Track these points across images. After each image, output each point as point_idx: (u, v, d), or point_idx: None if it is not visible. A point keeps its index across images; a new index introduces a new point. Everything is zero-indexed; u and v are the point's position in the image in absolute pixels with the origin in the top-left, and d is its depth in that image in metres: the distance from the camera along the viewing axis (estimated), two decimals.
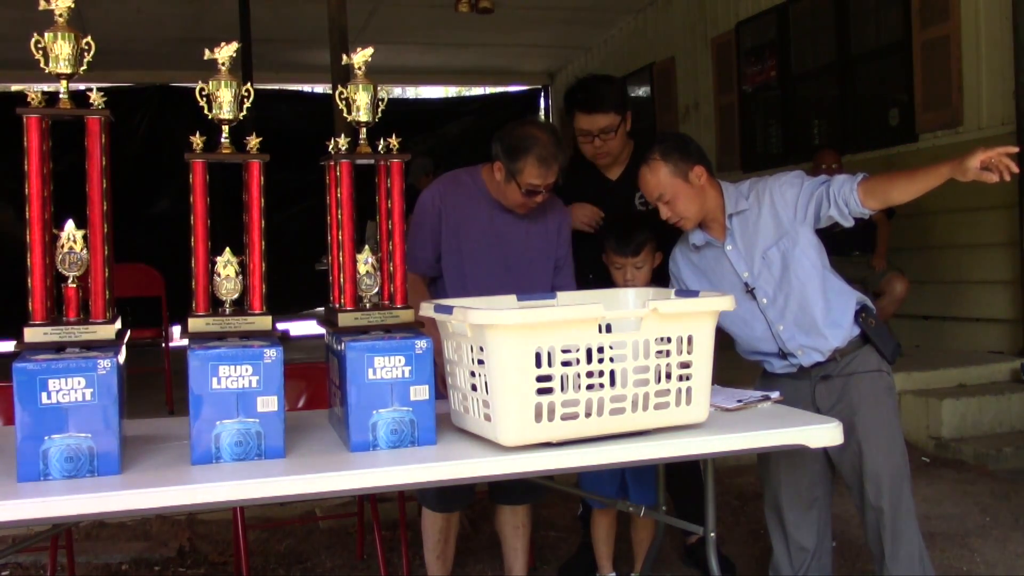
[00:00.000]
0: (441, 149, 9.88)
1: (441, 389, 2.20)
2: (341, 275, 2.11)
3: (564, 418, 1.97)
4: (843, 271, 3.45)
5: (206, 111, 2.02)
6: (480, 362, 1.99)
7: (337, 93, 2.17)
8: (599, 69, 9.75)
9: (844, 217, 2.61)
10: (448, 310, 2.05)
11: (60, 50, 1.86)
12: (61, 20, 1.86)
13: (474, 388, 2.03)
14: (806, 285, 2.65)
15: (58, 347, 1.86)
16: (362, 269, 2.13)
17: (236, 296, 2.02)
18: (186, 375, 1.90)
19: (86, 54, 1.89)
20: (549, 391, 1.95)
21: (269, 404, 1.93)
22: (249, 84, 2.07)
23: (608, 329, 2.02)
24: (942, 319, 6.16)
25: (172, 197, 9.90)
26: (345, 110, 2.15)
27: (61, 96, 1.88)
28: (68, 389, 1.78)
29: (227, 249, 2.01)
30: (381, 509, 3.51)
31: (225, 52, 2.01)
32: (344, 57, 2.22)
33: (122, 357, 1.92)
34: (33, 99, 1.84)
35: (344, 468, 1.89)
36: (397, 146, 2.17)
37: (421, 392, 2.02)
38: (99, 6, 7.62)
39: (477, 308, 1.98)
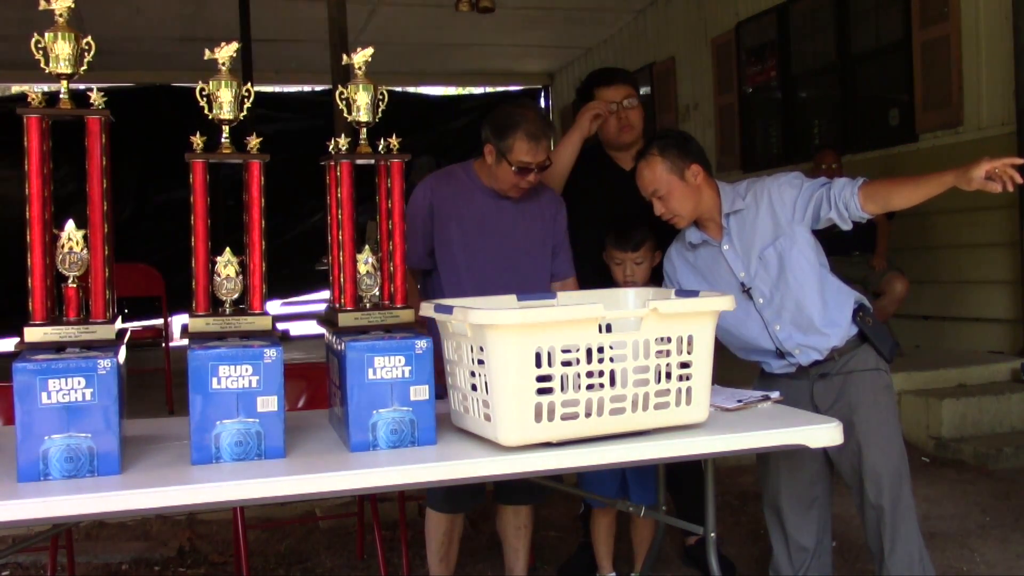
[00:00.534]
0: (442, 146, 9.87)
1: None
2: (341, 275, 2.11)
3: (564, 418, 1.97)
4: (843, 271, 3.46)
5: (206, 111, 2.02)
6: (480, 362, 1.98)
7: (337, 93, 2.17)
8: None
9: (843, 220, 2.61)
10: (448, 310, 2.05)
11: (60, 50, 1.86)
12: (61, 20, 1.87)
13: (474, 388, 2.03)
14: (803, 285, 2.64)
15: (58, 347, 1.86)
16: (362, 269, 2.13)
17: (236, 296, 2.02)
18: (186, 375, 1.90)
19: (86, 54, 1.89)
20: (549, 391, 1.95)
21: (269, 404, 1.93)
22: (249, 84, 2.07)
23: (608, 329, 2.02)
24: (942, 319, 6.16)
25: (172, 197, 9.92)
26: (345, 110, 2.16)
27: (61, 96, 1.89)
28: (68, 389, 1.78)
29: (227, 249, 2.02)
30: (381, 509, 3.51)
31: (225, 52, 2.01)
32: (344, 57, 2.22)
33: (122, 357, 1.92)
34: (33, 99, 1.84)
35: (344, 468, 1.89)
36: (397, 146, 2.17)
37: (421, 392, 2.02)
38: (99, 6, 7.61)
39: (477, 308, 1.98)
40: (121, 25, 8.49)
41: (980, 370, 5.44)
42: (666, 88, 9.44)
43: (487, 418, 1.99)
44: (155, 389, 5.52)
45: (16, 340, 1.86)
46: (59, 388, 1.78)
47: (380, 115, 2.17)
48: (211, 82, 2.01)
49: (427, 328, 2.23)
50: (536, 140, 2.80)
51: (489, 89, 12.62)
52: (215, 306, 2.03)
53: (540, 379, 1.94)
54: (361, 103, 2.14)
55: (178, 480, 1.80)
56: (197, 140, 1.98)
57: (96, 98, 1.89)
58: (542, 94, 12.65)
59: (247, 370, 1.91)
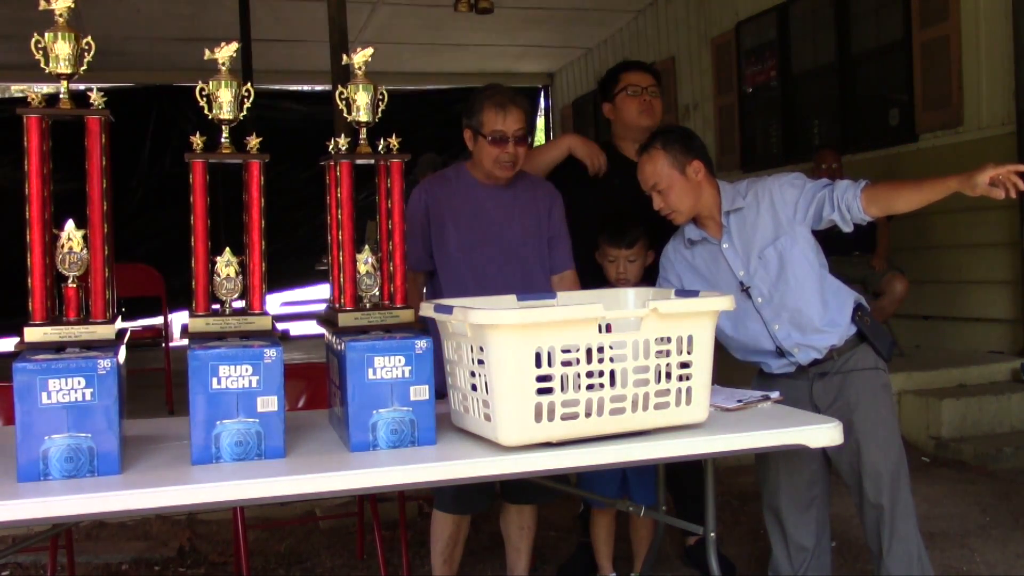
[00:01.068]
0: (444, 140, 9.85)
1: None
2: (341, 275, 2.11)
3: (564, 418, 1.97)
4: (843, 271, 3.47)
5: (206, 111, 2.02)
6: (480, 362, 1.99)
7: (337, 93, 2.17)
8: (599, 69, 9.75)
9: (845, 222, 2.61)
10: (448, 310, 2.05)
11: (60, 50, 1.86)
12: (61, 20, 1.87)
13: (474, 388, 2.03)
14: (803, 284, 2.65)
15: (58, 347, 1.86)
16: (362, 269, 2.13)
17: (236, 296, 2.02)
18: (186, 375, 1.90)
19: (86, 54, 1.89)
20: (549, 391, 1.95)
21: (269, 404, 1.93)
22: (249, 84, 2.07)
23: (608, 329, 2.02)
24: (942, 319, 6.16)
25: (172, 197, 9.92)
26: (345, 110, 2.16)
27: (61, 96, 1.89)
28: (68, 389, 1.78)
29: (227, 249, 2.02)
30: (381, 509, 3.51)
31: (225, 52, 2.02)
32: (344, 57, 2.22)
33: (122, 357, 1.92)
34: (33, 99, 1.84)
35: (344, 468, 1.89)
36: (397, 146, 2.17)
37: (421, 392, 2.02)
38: (99, 6, 7.62)
39: (477, 308, 1.98)
40: (121, 25, 8.49)
41: (980, 370, 5.44)
42: (666, 88, 9.36)
43: (487, 418, 1.99)
44: (155, 389, 5.51)
45: (16, 340, 1.86)
46: (59, 388, 1.78)
47: (380, 114, 2.17)
48: (211, 82, 2.01)
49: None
50: (503, 107, 2.84)
51: None
52: (215, 306, 2.03)
53: (540, 379, 1.94)
54: (361, 103, 2.14)
55: (178, 480, 1.80)
56: (197, 140, 1.98)
57: (96, 98, 1.89)
58: (542, 94, 12.65)
59: (247, 370, 1.91)
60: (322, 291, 9.79)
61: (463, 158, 3.10)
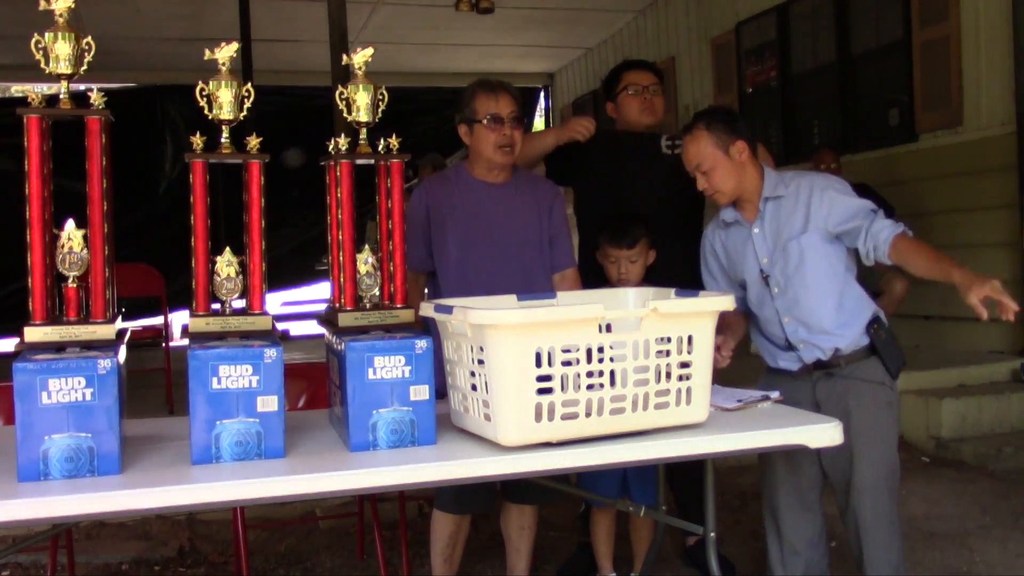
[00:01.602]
0: (444, 137, 9.85)
1: None
2: (341, 275, 2.12)
3: (564, 418, 1.97)
4: None
5: (206, 111, 2.02)
6: (480, 362, 1.99)
7: (337, 93, 2.17)
8: (599, 69, 9.76)
9: (866, 257, 2.60)
10: (448, 310, 2.05)
11: (60, 50, 1.86)
12: (61, 20, 1.87)
13: (474, 388, 2.03)
14: (819, 284, 2.64)
15: (58, 347, 1.86)
16: (362, 269, 2.13)
17: (236, 296, 2.02)
18: (186, 375, 1.90)
19: (86, 54, 1.89)
20: (549, 391, 1.95)
21: (269, 404, 1.93)
22: (249, 84, 2.07)
23: (608, 329, 2.02)
24: (942, 319, 6.15)
25: (172, 197, 9.92)
26: (345, 110, 2.16)
27: (61, 96, 1.89)
28: (68, 389, 1.78)
29: (227, 249, 2.02)
30: (381, 509, 3.51)
31: (225, 52, 2.02)
32: (344, 57, 2.22)
33: (122, 357, 1.92)
34: (33, 99, 1.84)
35: (344, 468, 1.89)
36: (397, 146, 2.17)
37: (421, 392, 2.02)
38: (99, 6, 7.62)
39: (477, 308, 1.98)
40: (121, 25, 8.49)
41: (980, 370, 5.43)
42: (666, 88, 9.36)
43: (487, 418, 1.99)
44: (155, 389, 5.51)
45: (16, 340, 1.86)
46: (59, 388, 1.78)
47: (380, 114, 2.17)
48: (211, 82, 2.01)
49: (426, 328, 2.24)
50: (493, 90, 2.89)
51: None
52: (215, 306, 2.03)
53: (540, 379, 1.94)
54: (361, 103, 2.14)
55: (178, 480, 1.80)
56: (197, 140, 1.98)
57: (96, 98, 1.89)
58: (542, 94, 12.65)
59: (247, 370, 1.91)
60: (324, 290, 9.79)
61: (463, 156, 3.11)
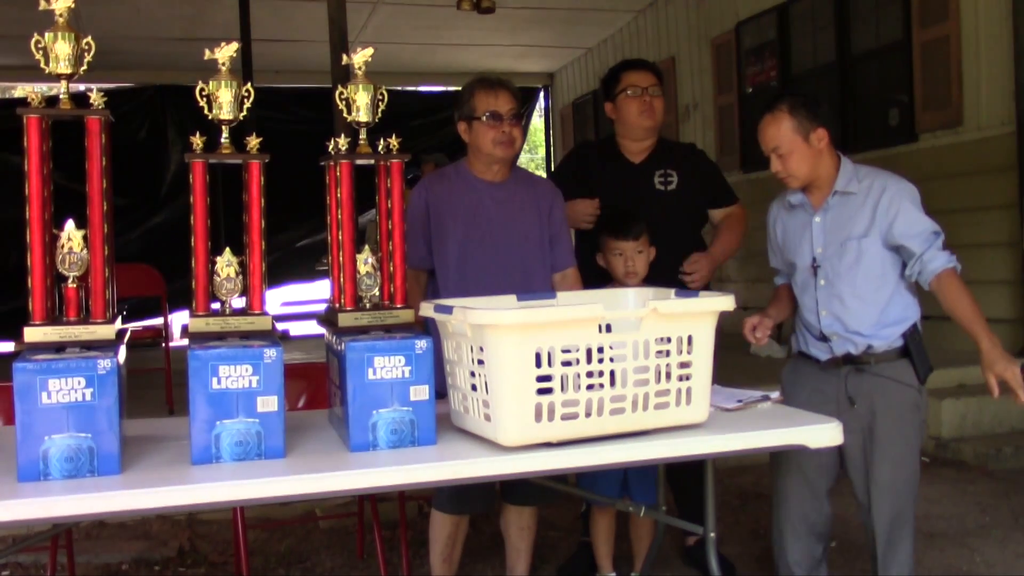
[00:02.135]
0: (445, 141, 9.86)
1: None
2: (341, 275, 2.11)
3: (564, 418, 1.97)
4: None
5: (206, 111, 2.02)
6: (480, 362, 1.98)
7: (337, 93, 2.17)
8: (599, 69, 9.75)
9: (909, 278, 2.63)
10: (448, 310, 2.05)
11: (60, 50, 1.86)
12: (61, 20, 1.87)
13: (474, 388, 2.03)
14: (869, 289, 2.63)
15: (58, 347, 1.86)
16: (362, 269, 2.13)
17: (236, 296, 2.02)
18: (186, 375, 1.90)
19: (86, 54, 1.89)
20: (549, 391, 1.95)
21: (269, 404, 1.93)
22: (249, 84, 2.07)
23: (608, 329, 2.02)
24: (942, 319, 6.13)
25: (172, 197, 9.92)
26: (345, 110, 2.16)
27: (61, 96, 1.89)
28: (68, 389, 1.78)
29: (227, 249, 2.02)
30: (381, 509, 3.51)
31: (225, 52, 2.02)
32: (344, 57, 2.22)
33: (122, 357, 1.92)
34: (33, 99, 1.84)
35: (344, 468, 1.89)
36: (397, 146, 2.17)
37: (421, 392, 2.02)
38: (99, 6, 7.62)
39: (477, 308, 1.98)
40: (121, 25, 8.49)
41: (980, 370, 5.42)
42: (666, 88, 9.36)
43: (487, 418, 1.99)
44: (155, 389, 5.51)
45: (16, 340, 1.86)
46: (59, 388, 1.78)
47: (380, 115, 2.17)
48: (211, 82, 2.01)
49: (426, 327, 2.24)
50: (492, 87, 2.91)
51: None
52: (215, 306, 2.03)
53: (540, 379, 1.94)
54: (361, 103, 2.14)
55: (178, 480, 1.80)
56: (197, 140, 1.98)
57: (96, 98, 1.89)
58: (542, 94, 12.65)
59: (247, 370, 1.91)
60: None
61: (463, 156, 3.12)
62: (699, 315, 2.12)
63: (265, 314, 2.04)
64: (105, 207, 1.89)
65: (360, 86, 2.14)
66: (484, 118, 2.88)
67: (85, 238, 1.89)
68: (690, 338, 2.09)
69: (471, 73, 3.05)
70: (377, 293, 2.15)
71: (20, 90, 11.47)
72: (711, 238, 3.46)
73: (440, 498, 2.98)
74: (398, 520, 3.50)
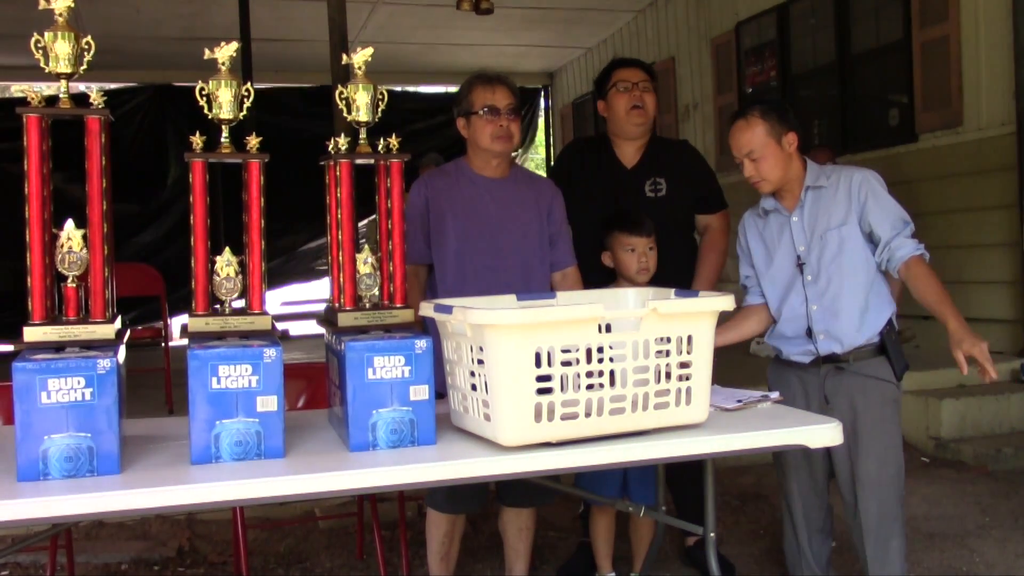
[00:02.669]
0: (445, 143, 9.86)
1: None
2: (341, 275, 2.11)
3: (564, 418, 1.97)
4: None
5: (206, 111, 2.02)
6: (480, 362, 1.98)
7: (337, 93, 2.17)
8: (599, 69, 9.74)
9: (878, 265, 2.69)
10: (448, 310, 2.05)
11: (60, 50, 1.86)
12: (61, 20, 1.87)
13: (474, 388, 2.03)
14: (854, 276, 2.68)
15: (58, 347, 1.86)
16: (362, 269, 2.13)
17: (236, 296, 2.02)
18: (186, 375, 1.89)
19: (86, 54, 1.89)
20: (549, 391, 1.95)
21: (269, 404, 1.93)
22: (249, 84, 2.07)
23: (608, 329, 2.02)
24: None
25: (171, 197, 9.92)
26: (345, 110, 2.16)
27: (61, 96, 1.88)
28: (68, 389, 1.78)
29: (227, 249, 2.02)
30: (381, 509, 3.51)
31: (225, 52, 2.02)
32: (344, 57, 2.22)
33: (122, 357, 1.92)
34: (33, 99, 1.84)
35: (344, 468, 1.89)
36: (397, 146, 2.17)
37: (421, 392, 2.02)
38: (99, 6, 7.62)
39: (477, 308, 1.98)
40: (121, 25, 8.49)
41: (950, 348, 5.41)
42: (666, 88, 9.43)
43: (487, 418, 1.99)
44: (155, 389, 5.51)
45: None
46: (59, 388, 1.78)
47: (380, 115, 2.17)
48: (211, 82, 2.01)
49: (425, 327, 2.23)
50: (490, 82, 2.92)
51: None
52: (215, 306, 2.03)
53: (540, 379, 1.94)
54: (361, 103, 2.14)
55: (178, 480, 1.80)
56: (197, 140, 1.98)
57: (96, 98, 1.89)
58: (542, 94, 12.64)
59: (247, 370, 1.91)
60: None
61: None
62: (699, 315, 2.12)
63: (265, 314, 2.04)
64: (105, 206, 1.89)
65: (360, 86, 2.14)
66: (481, 113, 2.89)
67: (85, 238, 1.88)
68: (690, 338, 2.09)
69: (471, 73, 3.04)
70: (377, 293, 2.15)
71: (15, 88, 11.45)
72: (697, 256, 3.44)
73: (435, 497, 2.98)
74: (398, 520, 3.50)
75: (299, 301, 10.81)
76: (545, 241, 3.02)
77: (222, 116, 2.02)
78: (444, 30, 9.53)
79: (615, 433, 2.03)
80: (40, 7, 1.84)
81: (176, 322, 6.94)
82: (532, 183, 3.09)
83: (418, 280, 2.97)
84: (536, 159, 15.36)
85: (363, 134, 2.17)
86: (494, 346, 1.93)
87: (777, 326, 2.82)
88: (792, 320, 2.76)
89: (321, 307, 2.32)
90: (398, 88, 11.75)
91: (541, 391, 1.94)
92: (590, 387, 1.99)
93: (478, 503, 3.04)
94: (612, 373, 2.02)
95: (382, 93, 2.17)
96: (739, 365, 2.92)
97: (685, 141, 3.92)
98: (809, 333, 2.73)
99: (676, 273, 3.24)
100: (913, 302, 2.71)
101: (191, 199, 1.98)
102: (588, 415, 2.00)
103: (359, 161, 2.14)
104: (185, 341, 1.99)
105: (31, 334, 1.84)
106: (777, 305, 2.79)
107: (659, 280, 3.08)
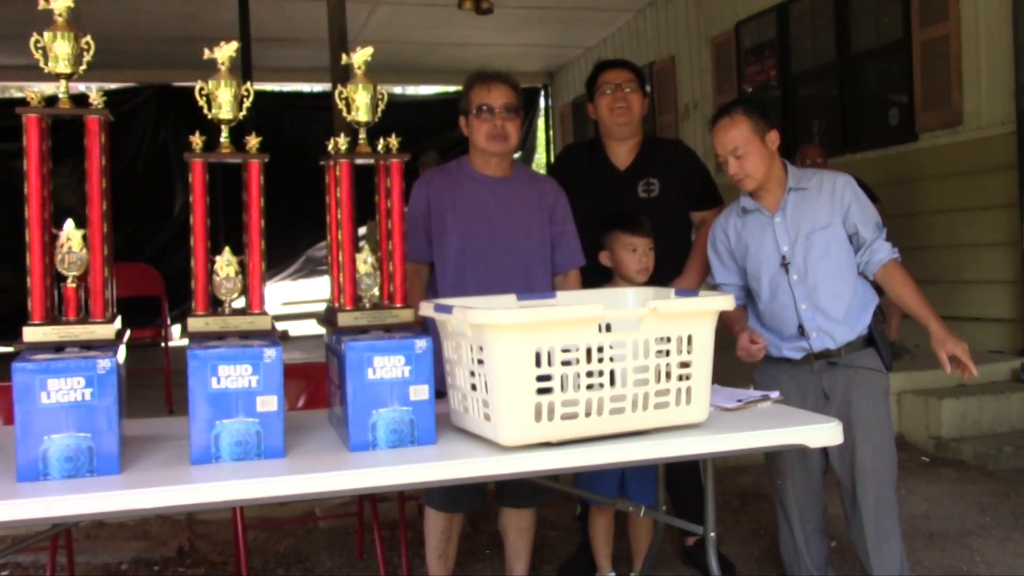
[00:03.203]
0: (446, 145, 9.86)
1: None
2: (341, 275, 2.11)
3: (564, 418, 1.97)
4: None
5: (206, 111, 2.02)
6: (480, 362, 1.98)
7: (337, 93, 2.17)
8: None
9: (857, 267, 2.76)
10: (448, 310, 2.05)
11: (60, 50, 1.86)
12: (61, 20, 1.87)
13: (474, 388, 2.03)
14: (840, 274, 2.73)
15: (58, 347, 1.86)
16: (362, 269, 2.13)
17: (236, 296, 2.02)
18: (186, 375, 1.89)
19: (86, 54, 1.89)
20: (549, 391, 1.95)
21: (269, 404, 1.93)
22: (249, 84, 2.07)
23: (608, 329, 2.02)
24: (942, 319, 6.15)
25: (172, 197, 9.92)
26: (345, 110, 2.16)
27: (60, 96, 1.88)
28: (68, 389, 1.78)
29: (227, 249, 2.02)
30: (381, 509, 3.51)
31: (225, 52, 2.01)
32: (344, 57, 2.22)
33: (122, 357, 1.92)
34: (32, 99, 1.84)
35: (344, 468, 1.89)
36: (396, 146, 2.17)
37: (421, 392, 2.02)
38: (99, 6, 7.61)
39: (477, 308, 1.98)
40: (121, 25, 8.49)
41: (980, 370, 5.40)
42: (666, 88, 9.44)
43: (487, 418, 1.99)
44: (155, 389, 5.51)
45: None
46: (59, 388, 1.78)
47: (380, 115, 2.17)
48: (210, 82, 2.01)
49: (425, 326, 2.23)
50: (487, 82, 2.92)
51: None
52: (215, 306, 2.03)
53: (540, 379, 1.94)
54: (360, 103, 2.14)
55: (178, 480, 1.80)
56: (196, 140, 1.98)
57: (96, 98, 1.89)
58: (542, 94, 12.64)
59: (247, 370, 1.91)
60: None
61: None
62: (699, 315, 2.12)
63: (265, 314, 2.04)
64: (105, 207, 1.89)
65: (360, 86, 2.14)
66: (476, 112, 2.89)
67: (85, 238, 1.88)
68: (690, 338, 2.09)
69: (471, 73, 3.04)
70: (377, 293, 2.15)
71: (15, 89, 11.46)
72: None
73: (432, 496, 2.98)
74: (398, 520, 3.50)
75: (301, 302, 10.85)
76: (546, 241, 3.02)
77: (222, 116, 2.02)
78: (444, 30, 9.53)
79: (615, 433, 2.03)
80: (40, 7, 1.84)
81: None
82: (534, 182, 3.09)
83: (420, 279, 2.97)
84: (536, 159, 15.37)
85: (363, 134, 2.17)
86: (494, 346, 1.93)
87: (767, 325, 2.84)
88: (782, 319, 2.78)
89: (321, 307, 2.32)
90: (397, 88, 11.76)
91: (541, 391, 1.94)
92: (590, 387, 1.99)
93: (476, 502, 3.04)
94: (612, 373, 2.02)
95: (382, 93, 2.17)
96: (739, 365, 2.91)
97: (679, 140, 3.92)
98: (801, 331, 2.76)
99: (671, 273, 3.24)
100: None
101: (191, 199, 1.98)
102: (588, 415, 2.00)
103: (359, 161, 2.14)
104: (185, 341, 1.99)
105: (31, 334, 1.84)
106: (765, 304, 2.82)
107: (654, 280, 3.09)
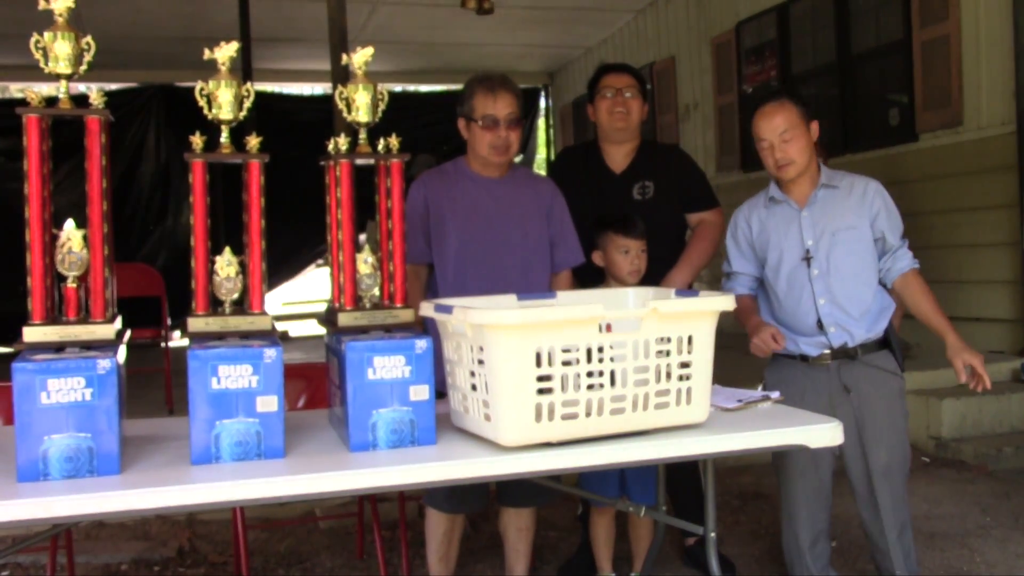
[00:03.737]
0: (444, 144, 9.85)
1: None
2: (341, 275, 2.11)
3: (564, 418, 1.97)
4: None
5: (206, 111, 2.02)
6: (480, 362, 1.98)
7: (337, 93, 2.17)
8: None
9: (879, 272, 2.81)
10: (448, 310, 2.05)
11: (60, 50, 1.86)
12: (61, 20, 1.87)
13: (474, 388, 2.03)
14: (862, 273, 2.76)
15: (58, 347, 1.86)
16: (362, 269, 2.13)
17: (236, 296, 2.02)
18: (186, 375, 1.89)
19: (86, 54, 1.89)
20: (549, 391, 1.95)
21: (269, 404, 1.93)
22: (249, 84, 2.07)
23: (608, 329, 2.02)
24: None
25: (172, 198, 9.92)
26: (345, 110, 2.16)
27: (61, 96, 1.88)
28: (68, 389, 1.78)
29: (227, 249, 2.02)
30: (381, 509, 3.51)
31: (225, 52, 2.01)
32: (344, 57, 2.22)
33: (122, 357, 1.92)
34: (33, 99, 1.84)
35: (344, 468, 1.89)
36: (397, 146, 2.17)
37: (421, 392, 2.02)
38: (99, 6, 7.61)
39: (477, 308, 1.98)
40: (121, 25, 8.49)
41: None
42: (666, 88, 9.44)
43: (487, 418, 1.99)
44: (155, 389, 5.51)
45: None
46: (59, 388, 1.78)
47: (380, 114, 2.17)
48: (211, 82, 2.01)
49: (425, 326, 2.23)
50: (491, 89, 2.88)
51: None
52: (215, 306, 2.03)
53: (540, 379, 1.94)
54: (361, 103, 2.14)
55: (178, 480, 1.80)
56: (197, 140, 1.98)
57: (96, 98, 1.89)
58: (542, 94, 12.64)
59: (247, 370, 1.91)
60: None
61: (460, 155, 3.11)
62: (699, 315, 2.12)
63: (265, 314, 2.04)
64: (105, 207, 1.88)
65: (360, 86, 2.14)
66: (480, 122, 2.88)
67: (85, 238, 1.88)
68: (690, 338, 2.09)
69: (471, 73, 3.03)
70: (377, 293, 2.15)
71: (14, 89, 11.45)
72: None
73: (434, 497, 2.98)
74: (398, 520, 3.50)
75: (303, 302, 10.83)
76: (545, 240, 3.02)
77: (222, 116, 2.02)
78: (444, 30, 9.53)
79: (615, 433, 2.03)
80: (40, 7, 1.84)
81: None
82: (531, 183, 3.09)
83: (419, 280, 2.96)
84: (536, 159, 15.37)
85: (363, 134, 2.17)
86: (494, 346, 1.93)
87: (783, 320, 2.84)
88: (800, 313, 2.79)
89: (321, 306, 2.32)
90: (398, 88, 11.75)
91: (541, 391, 1.94)
92: (590, 387, 1.99)
93: (478, 503, 3.04)
94: (612, 373, 2.02)
95: (382, 93, 2.17)
96: (739, 365, 2.91)
97: (675, 145, 3.93)
98: (819, 325, 2.77)
99: (663, 274, 3.24)
100: None
101: (191, 199, 1.98)
102: (588, 415, 1.99)
103: (359, 161, 2.14)
104: (186, 341, 1.99)
105: (31, 334, 1.84)
106: (783, 297, 2.82)
107: (646, 281, 3.09)
